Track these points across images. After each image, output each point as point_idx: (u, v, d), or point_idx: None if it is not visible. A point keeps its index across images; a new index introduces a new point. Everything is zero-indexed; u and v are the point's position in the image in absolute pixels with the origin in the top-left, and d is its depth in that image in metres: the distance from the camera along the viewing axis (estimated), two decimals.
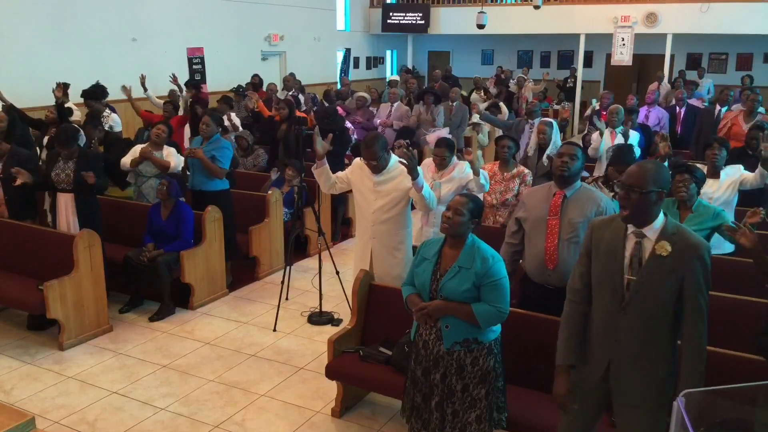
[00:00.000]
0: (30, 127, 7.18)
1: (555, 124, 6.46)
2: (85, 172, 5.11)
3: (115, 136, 7.14)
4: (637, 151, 6.59)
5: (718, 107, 8.47)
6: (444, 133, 7.88)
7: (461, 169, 4.91)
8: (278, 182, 7.04)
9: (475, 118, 9.49)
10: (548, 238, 3.64)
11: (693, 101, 10.24)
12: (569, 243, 3.60)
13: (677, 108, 9.30)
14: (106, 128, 7.25)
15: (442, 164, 4.88)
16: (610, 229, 2.72)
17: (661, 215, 2.63)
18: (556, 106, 14.21)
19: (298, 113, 8.38)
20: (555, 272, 3.64)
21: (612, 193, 4.68)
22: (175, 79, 8.28)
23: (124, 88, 7.99)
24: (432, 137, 6.61)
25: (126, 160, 6.00)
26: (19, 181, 5.24)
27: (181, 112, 7.62)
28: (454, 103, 9.33)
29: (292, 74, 11.79)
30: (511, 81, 14.23)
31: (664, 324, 2.64)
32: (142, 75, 8.33)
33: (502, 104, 10.73)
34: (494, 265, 3.07)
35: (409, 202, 4.32)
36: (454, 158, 5.06)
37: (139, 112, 8.14)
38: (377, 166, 4.20)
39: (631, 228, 2.65)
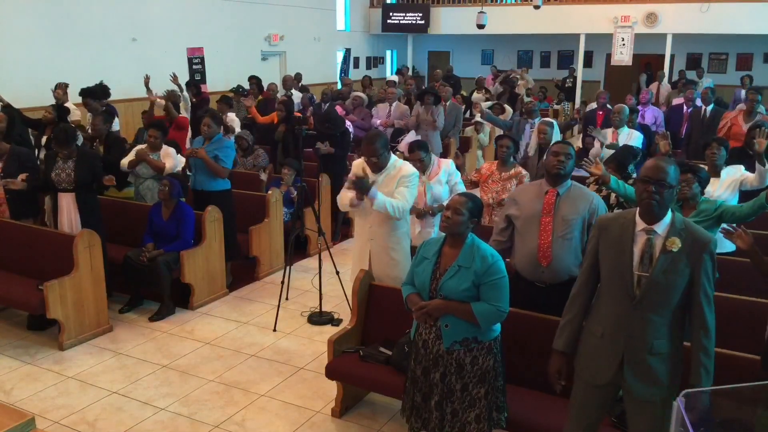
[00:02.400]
0: (28, 127, 7.18)
1: (555, 123, 6.46)
2: (107, 177, 5.22)
3: (116, 137, 7.14)
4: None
5: (703, 107, 8.46)
6: (412, 136, 7.88)
7: (447, 169, 4.94)
8: (276, 182, 7.04)
9: (478, 117, 9.51)
10: (542, 236, 3.65)
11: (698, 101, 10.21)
12: (563, 240, 3.61)
13: (684, 108, 9.26)
14: None
15: (421, 166, 4.87)
16: (618, 226, 2.74)
17: (669, 211, 2.67)
18: (556, 106, 14.22)
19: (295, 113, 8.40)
20: (548, 269, 3.64)
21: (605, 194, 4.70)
22: (175, 78, 8.28)
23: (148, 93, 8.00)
24: (403, 145, 6.58)
25: (125, 161, 6.04)
26: (13, 187, 5.28)
27: (182, 113, 7.63)
28: (447, 103, 9.33)
29: (299, 74, 11.77)
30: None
31: (675, 318, 2.68)
32: (146, 75, 8.33)
33: (506, 105, 10.74)
34: (494, 264, 3.08)
35: None
36: (433, 157, 5.05)
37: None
38: (377, 163, 4.20)
39: (640, 225, 2.67)
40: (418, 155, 4.88)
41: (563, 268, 3.62)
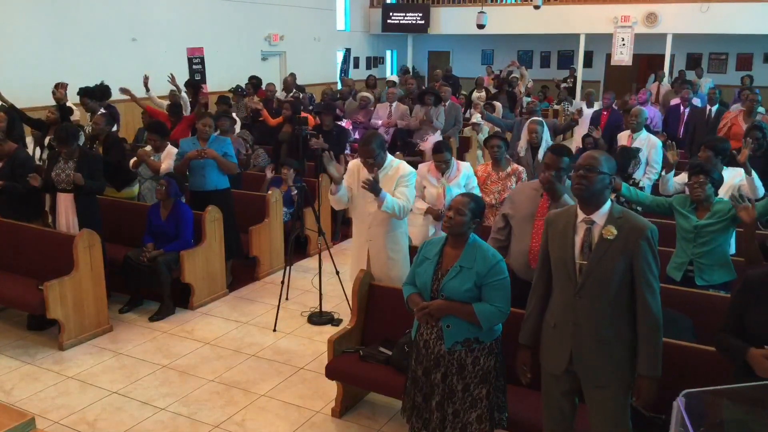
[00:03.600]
0: (31, 127, 7.17)
1: (545, 123, 6.41)
2: (74, 173, 5.13)
3: (115, 137, 7.13)
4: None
5: (709, 107, 8.46)
6: (437, 137, 7.88)
7: (467, 173, 4.97)
8: (276, 182, 7.04)
9: (476, 118, 9.49)
10: (534, 238, 3.64)
11: (695, 101, 10.22)
12: None
13: (681, 108, 9.26)
14: None
15: (446, 168, 4.90)
16: (562, 218, 2.85)
17: (608, 202, 2.76)
18: (556, 106, 14.21)
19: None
20: None
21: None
22: (173, 79, 8.28)
23: (122, 90, 7.99)
24: (427, 144, 6.61)
25: (130, 163, 6.16)
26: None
27: (186, 112, 7.63)
28: (447, 103, 9.35)
29: (292, 75, 11.75)
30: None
31: (619, 306, 2.74)
32: (145, 76, 8.33)
33: (495, 102, 10.72)
34: (496, 265, 3.08)
35: None
36: (453, 159, 5.09)
37: (145, 107, 8.17)
38: (374, 164, 4.20)
39: (581, 216, 2.78)
40: (444, 156, 4.92)
41: None
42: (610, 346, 2.75)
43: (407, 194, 4.19)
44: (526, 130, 6.33)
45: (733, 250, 4.65)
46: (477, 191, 5.02)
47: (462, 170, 5.01)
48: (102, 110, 7.54)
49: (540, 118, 6.65)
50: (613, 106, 8.69)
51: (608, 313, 2.73)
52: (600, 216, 2.74)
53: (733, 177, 4.91)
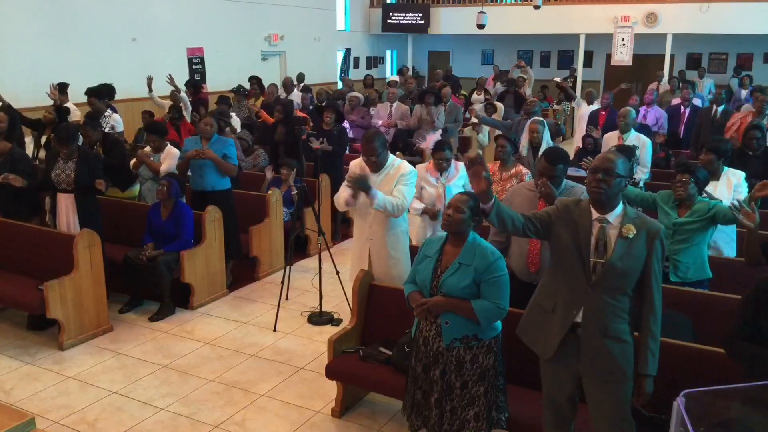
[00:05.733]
0: (28, 127, 7.18)
1: (546, 123, 6.41)
2: (98, 180, 5.16)
3: (115, 138, 7.12)
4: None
5: (714, 107, 8.46)
6: (438, 136, 7.88)
7: (465, 173, 4.94)
8: (276, 182, 7.04)
9: (474, 120, 9.51)
10: (532, 241, 3.63)
11: (695, 101, 10.22)
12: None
13: (681, 108, 9.26)
14: (108, 129, 7.25)
15: (446, 167, 4.89)
16: (579, 211, 2.85)
17: (621, 203, 2.81)
18: (556, 106, 14.21)
19: (297, 113, 8.39)
20: (538, 275, 3.65)
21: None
22: (172, 80, 8.28)
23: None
24: (428, 143, 6.62)
25: (131, 163, 6.18)
26: (14, 183, 5.26)
27: (186, 112, 7.64)
28: (447, 103, 9.35)
29: (301, 75, 11.71)
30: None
31: (629, 302, 2.81)
32: (149, 76, 8.33)
33: (496, 102, 10.71)
34: (494, 262, 3.09)
35: None
36: (452, 160, 5.08)
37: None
38: (377, 162, 4.20)
39: (594, 214, 2.81)
40: (444, 155, 4.92)
41: None
42: (616, 339, 2.78)
43: (404, 192, 4.17)
44: (527, 130, 6.33)
45: (734, 252, 4.66)
46: None
47: (461, 170, 5.00)
48: (108, 111, 7.55)
49: (541, 118, 6.64)
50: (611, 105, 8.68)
51: (618, 309, 2.78)
52: (614, 216, 2.78)
53: (736, 180, 4.86)
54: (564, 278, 2.87)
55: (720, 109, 8.36)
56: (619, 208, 2.80)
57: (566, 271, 2.86)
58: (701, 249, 4.13)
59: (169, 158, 6.04)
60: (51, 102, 7.52)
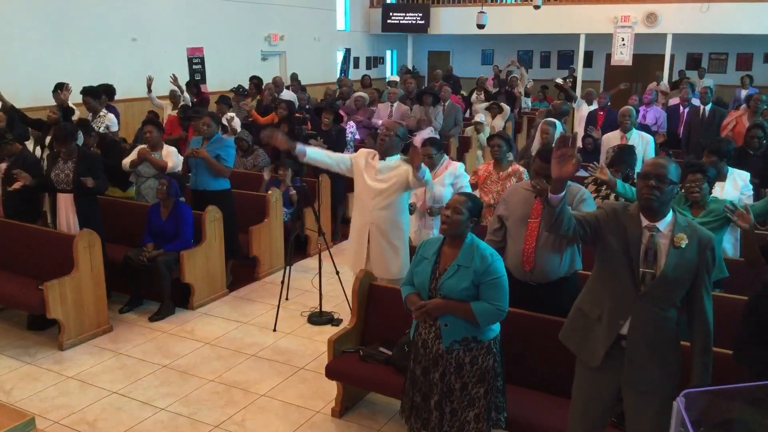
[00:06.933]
0: (31, 127, 7.17)
1: (558, 124, 6.39)
2: (84, 177, 5.12)
3: (111, 139, 7.11)
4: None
5: (702, 106, 8.43)
6: (428, 133, 7.86)
7: (454, 172, 4.94)
8: (275, 182, 7.04)
9: (479, 117, 9.51)
10: (527, 240, 3.63)
11: (694, 101, 10.20)
12: (548, 246, 3.58)
13: (681, 108, 9.25)
14: (102, 129, 7.22)
15: (430, 163, 4.88)
16: (627, 218, 2.75)
17: (671, 210, 2.72)
18: None
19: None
20: (533, 273, 3.65)
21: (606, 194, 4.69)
22: (175, 80, 8.27)
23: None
24: (418, 139, 6.62)
25: (126, 161, 6.07)
26: (17, 185, 5.25)
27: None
28: (446, 103, 9.33)
29: (294, 74, 11.67)
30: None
31: (675, 314, 2.74)
32: (149, 77, 8.31)
33: (503, 103, 10.70)
34: (493, 263, 3.08)
35: (407, 189, 4.38)
36: (445, 157, 5.07)
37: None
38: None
39: (644, 222, 2.71)
40: (429, 150, 4.92)
41: (548, 272, 3.63)
42: (663, 351, 2.72)
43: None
44: (538, 131, 6.31)
45: (739, 253, 4.65)
46: (468, 189, 5.00)
47: (449, 169, 4.98)
48: (103, 110, 7.54)
49: (553, 119, 6.57)
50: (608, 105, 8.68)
51: (667, 320, 2.72)
52: (665, 224, 2.69)
53: (742, 184, 4.85)
54: (611, 286, 2.78)
55: (707, 108, 8.34)
56: (670, 215, 2.70)
57: (613, 280, 2.76)
58: (718, 249, 4.10)
59: (173, 156, 6.03)
60: (52, 102, 7.51)
